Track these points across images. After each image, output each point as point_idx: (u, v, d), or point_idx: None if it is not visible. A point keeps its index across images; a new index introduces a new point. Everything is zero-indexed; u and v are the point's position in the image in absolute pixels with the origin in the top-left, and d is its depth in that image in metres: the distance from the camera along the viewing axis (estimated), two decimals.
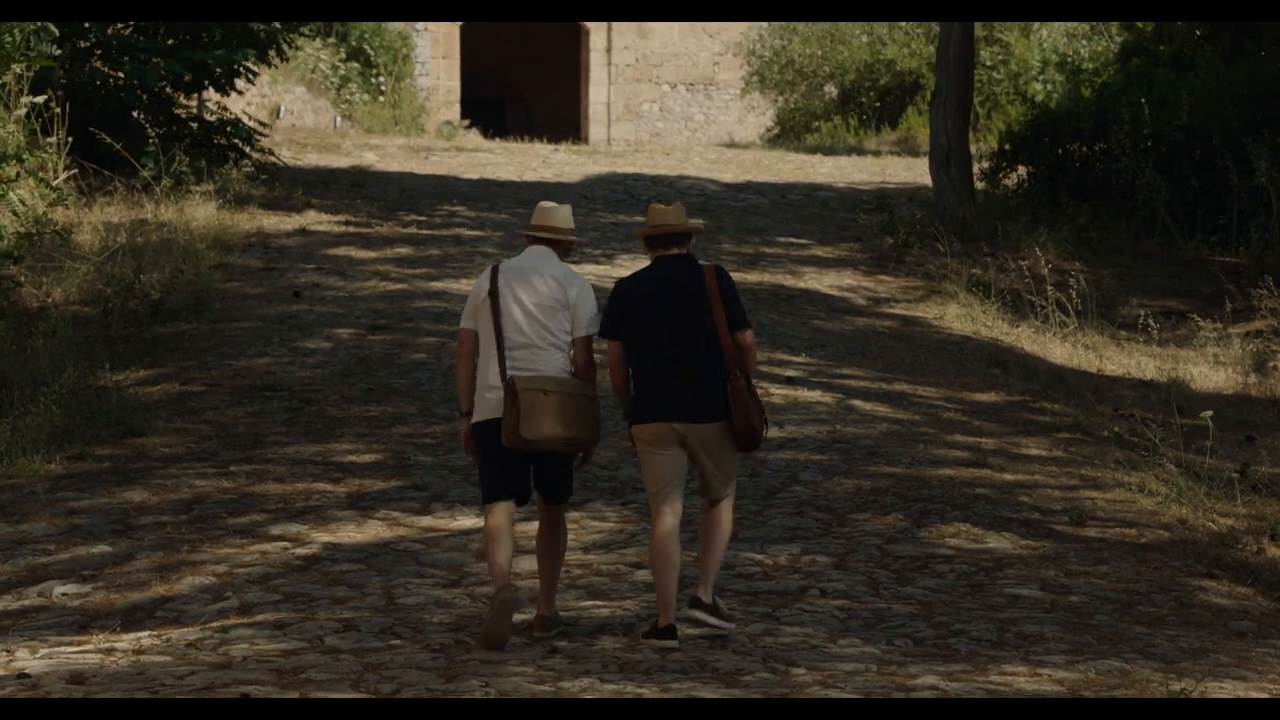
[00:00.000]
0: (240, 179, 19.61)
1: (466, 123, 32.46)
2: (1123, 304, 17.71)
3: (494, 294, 8.01)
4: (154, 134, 18.37)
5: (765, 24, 34.40)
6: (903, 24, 32.62)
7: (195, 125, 20.35)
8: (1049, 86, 28.63)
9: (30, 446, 11.21)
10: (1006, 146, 22.49)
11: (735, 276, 7.96)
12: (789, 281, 17.84)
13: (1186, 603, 8.78)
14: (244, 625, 8.06)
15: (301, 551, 9.33)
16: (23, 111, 16.70)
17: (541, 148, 27.55)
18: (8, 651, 7.72)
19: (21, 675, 7.23)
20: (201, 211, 17.86)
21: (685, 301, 7.92)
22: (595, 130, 35.31)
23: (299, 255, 17.42)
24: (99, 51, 19.41)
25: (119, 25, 19.38)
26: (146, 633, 8.01)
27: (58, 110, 17.35)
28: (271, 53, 20.69)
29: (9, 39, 15.72)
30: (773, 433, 11.86)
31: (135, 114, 19.04)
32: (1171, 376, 14.78)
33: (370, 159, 24.33)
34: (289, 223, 18.81)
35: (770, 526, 9.90)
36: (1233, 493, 10.73)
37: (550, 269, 8.07)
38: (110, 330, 14.27)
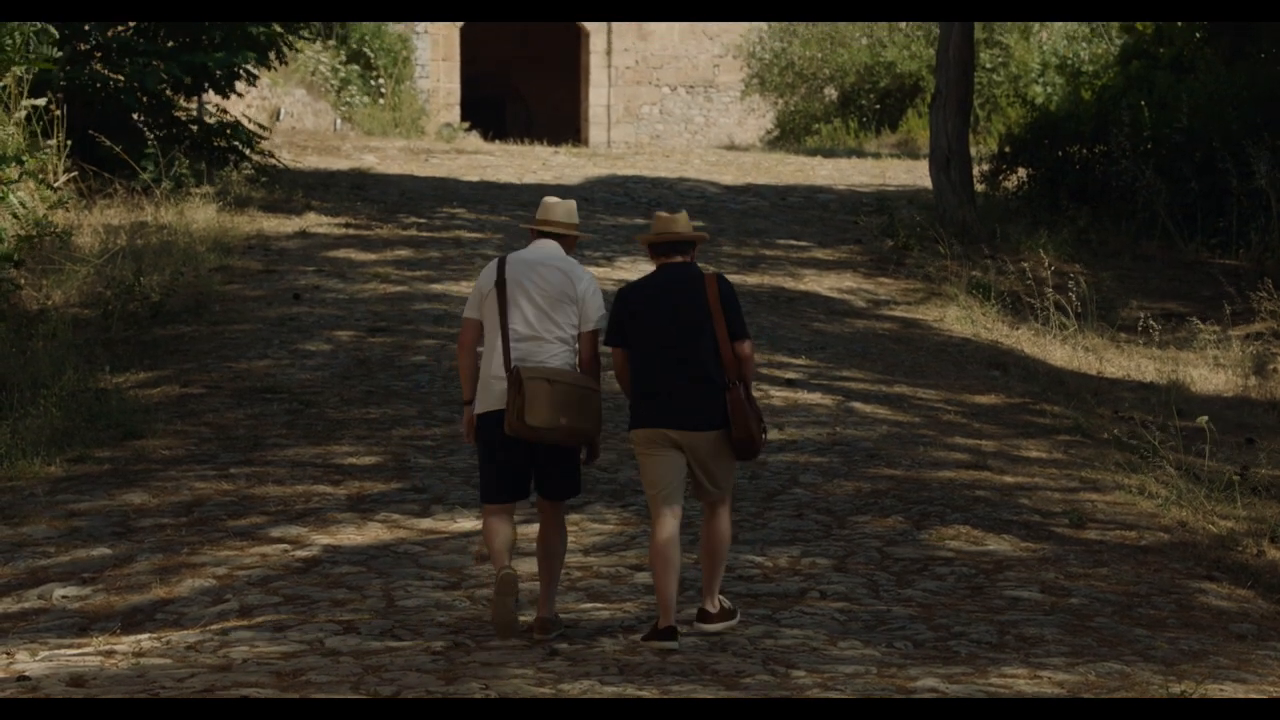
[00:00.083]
0: (240, 181, 19.61)
1: (466, 125, 32.48)
2: (1123, 306, 17.71)
3: (501, 285, 8.02)
4: (152, 137, 18.38)
5: (765, 26, 34.41)
6: (902, 26, 32.63)
7: (195, 128, 20.36)
8: (1049, 89, 28.64)
9: (30, 449, 11.21)
10: (1006, 149, 22.50)
11: (735, 279, 8.01)
12: (789, 284, 17.84)
13: (1186, 605, 8.78)
14: (244, 627, 8.06)
15: (301, 554, 9.33)
16: (23, 114, 16.70)
17: (541, 150, 27.56)
18: (8, 654, 7.72)
19: (21, 678, 7.23)
20: (201, 214, 17.87)
21: (686, 309, 7.95)
22: (595, 132, 35.32)
23: (299, 257, 17.43)
24: (99, 54, 19.42)
25: (119, 27, 19.38)
26: (146, 635, 8.01)
27: (58, 113, 17.35)
28: (271, 55, 20.70)
29: (9, 41, 15.72)
30: (773, 435, 11.86)
31: (135, 116, 19.06)
32: (1171, 379, 14.78)
33: (370, 161, 24.34)
34: (289, 225, 18.81)
35: (770, 529, 9.90)
36: (1233, 495, 10.73)
37: (558, 263, 8.09)
38: (110, 332, 14.27)
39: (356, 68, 30.84)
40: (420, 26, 33.99)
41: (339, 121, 29.11)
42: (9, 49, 15.74)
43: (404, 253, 17.95)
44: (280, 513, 10.10)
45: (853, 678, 7.27)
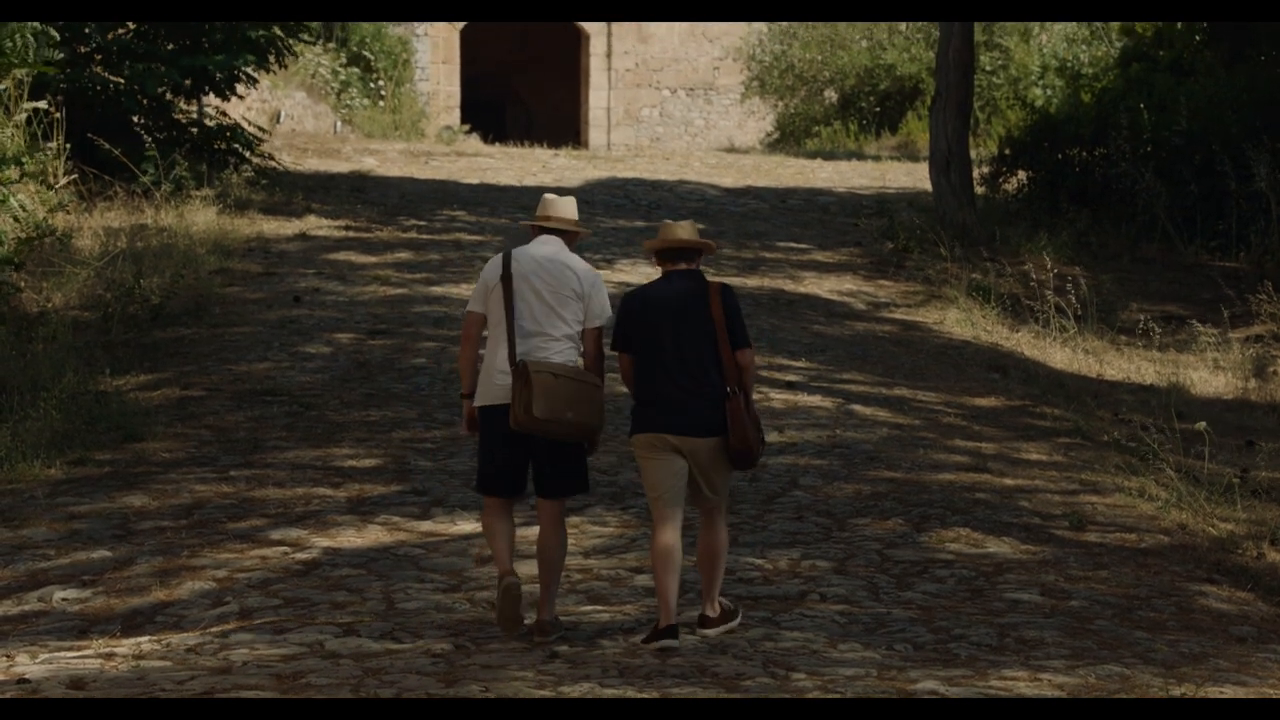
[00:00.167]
0: (240, 184, 19.62)
1: (466, 127, 32.49)
2: (1122, 309, 17.71)
3: (507, 280, 8.03)
4: (150, 141, 18.39)
5: (765, 29, 34.43)
6: (902, 29, 32.64)
7: (195, 130, 20.37)
8: (1049, 91, 28.65)
9: (30, 451, 11.21)
10: (1006, 151, 22.51)
11: (735, 281, 8.02)
12: (789, 286, 17.84)
13: (1187, 608, 8.78)
14: (244, 630, 8.06)
15: (301, 556, 9.33)
16: (23, 116, 16.70)
17: (541, 152, 27.57)
18: (7, 656, 7.72)
19: (21, 680, 7.23)
20: (201, 216, 17.87)
21: (689, 316, 7.99)
22: (595, 135, 35.33)
23: (299, 260, 17.43)
24: (99, 57, 19.42)
25: (119, 30, 19.39)
26: (146, 638, 8.01)
27: (57, 115, 17.36)
28: (271, 58, 20.71)
29: (9, 44, 15.72)
30: (773, 438, 11.87)
31: (135, 119, 19.06)
32: (1171, 381, 14.78)
33: (370, 164, 24.34)
34: (289, 227, 18.82)
35: (770, 531, 9.90)
36: (1233, 498, 10.73)
37: (565, 259, 8.10)
38: (110, 335, 14.27)
39: (356, 70, 30.86)
40: (420, 29, 34.00)
41: (339, 124, 29.13)
42: (9, 52, 15.75)
43: (404, 255, 17.96)
44: (280, 515, 10.10)
45: (853, 680, 7.27)
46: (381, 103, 30.94)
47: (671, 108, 35.94)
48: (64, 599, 8.71)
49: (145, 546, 9.51)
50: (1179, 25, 23.50)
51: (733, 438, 7.95)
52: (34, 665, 7.53)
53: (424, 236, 18.98)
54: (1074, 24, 30.03)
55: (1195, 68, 22.57)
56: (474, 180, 23.34)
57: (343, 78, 30.29)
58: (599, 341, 8.14)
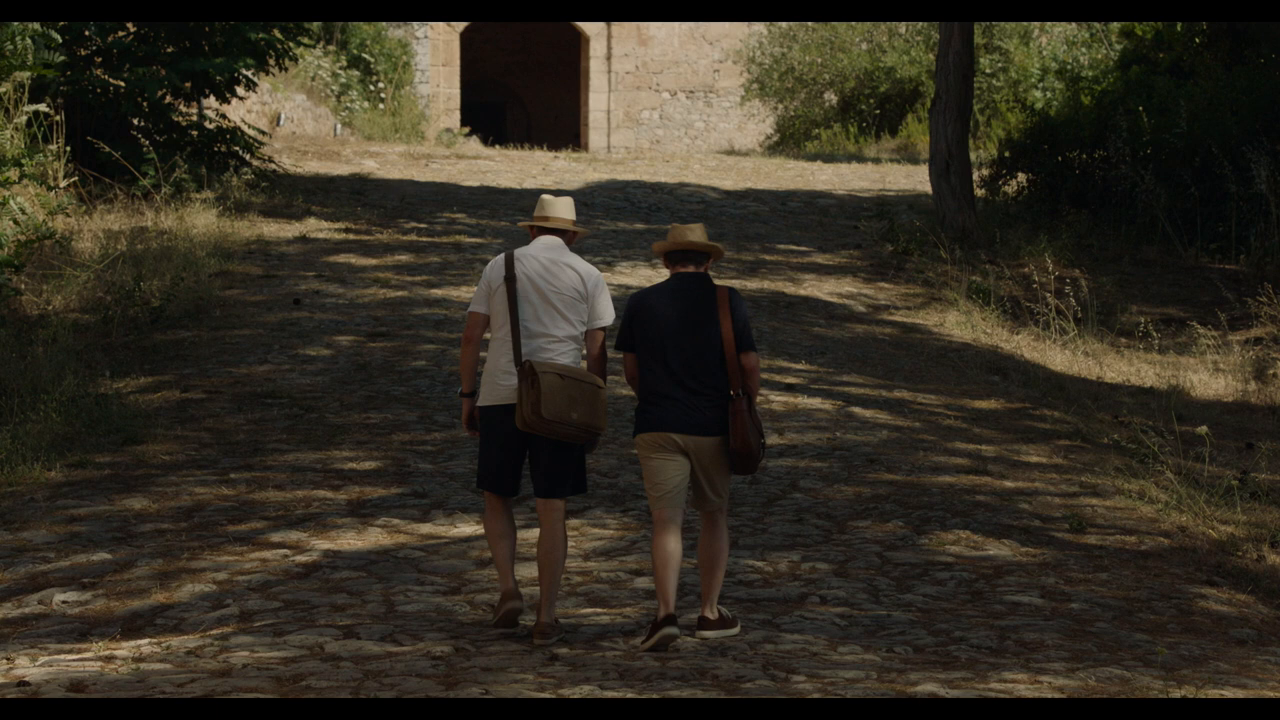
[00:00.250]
0: (240, 187, 19.62)
1: (466, 130, 32.51)
2: (1122, 311, 17.71)
3: (510, 280, 8.04)
4: (148, 144, 18.38)
5: (765, 31, 34.44)
6: (902, 31, 32.65)
7: (195, 133, 20.37)
8: (1049, 94, 28.66)
9: (30, 454, 11.21)
10: (1006, 154, 22.52)
11: (736, 284, 8.02)
12: (789, 288, 17.85)
13: (1187, 610, 8.78)
14: (244, 632, 8.06)
15: (302, 559, 9.33)
16: (23, 119, 16.71)
17: (541, 155, 27.57)
18: (8, 659, 7.72)
19: (21, 683, 7.23)
20: (202, 219, 17.88)
21: (696, 317, 8.04)
22: (595, 137, 35.34)
23: (299, 263, 17.43)
24: (99, 59, 19.43)
25: (119, 33, 19.40)
26: (146, 640, 8.01)
27: (57, 118, 17.36)
28: (271, 61, 20.72)
29: (10, 46, 15.73)
30: (773, 440, 11.87)
31: (135, 122, 19.06)
32: (1171, 384, 14.78)
33: (370, 166, 24.35)
34: (289, 230, 18.82)
35: (770, 533, 9.91)
36: (1233, 500, 10.73)
37: (567, 260, 8.12)
38: (110, 338, 14.28)
39: (357, 73, 30.87)
40: (420, 32, 34.01)
41: (339, 126, 29.13)
42: (10, 55, 15.76)
43: (404, 258, 17.96)
44: (280, 518, 10.10)
45: (853, 683, 7.27)
46: (381, 105, 30.95)
47: (671, 110, 35.95)
48: (64, 601, 8.71)
49: (145, 549, 9.52)
50: (1179, 28, 23.50)
51: (734, 439, 7.98)
52: (34, 668, 7.53)
53: (424, 239, 18.98)
54: (1074, 27, 30.04)
55: (1195, 70, 22.57)
56: (474, 183, 23.34)
57: (343, 80, 30.30)
58: (603, 343, 8.16)
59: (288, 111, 27.56)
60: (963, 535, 9.89)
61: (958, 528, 10.02)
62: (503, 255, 8.18)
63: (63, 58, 16.79)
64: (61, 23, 17.61)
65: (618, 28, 35.31)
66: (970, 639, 8.08)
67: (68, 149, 17.54)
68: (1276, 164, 18.96)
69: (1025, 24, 31.46)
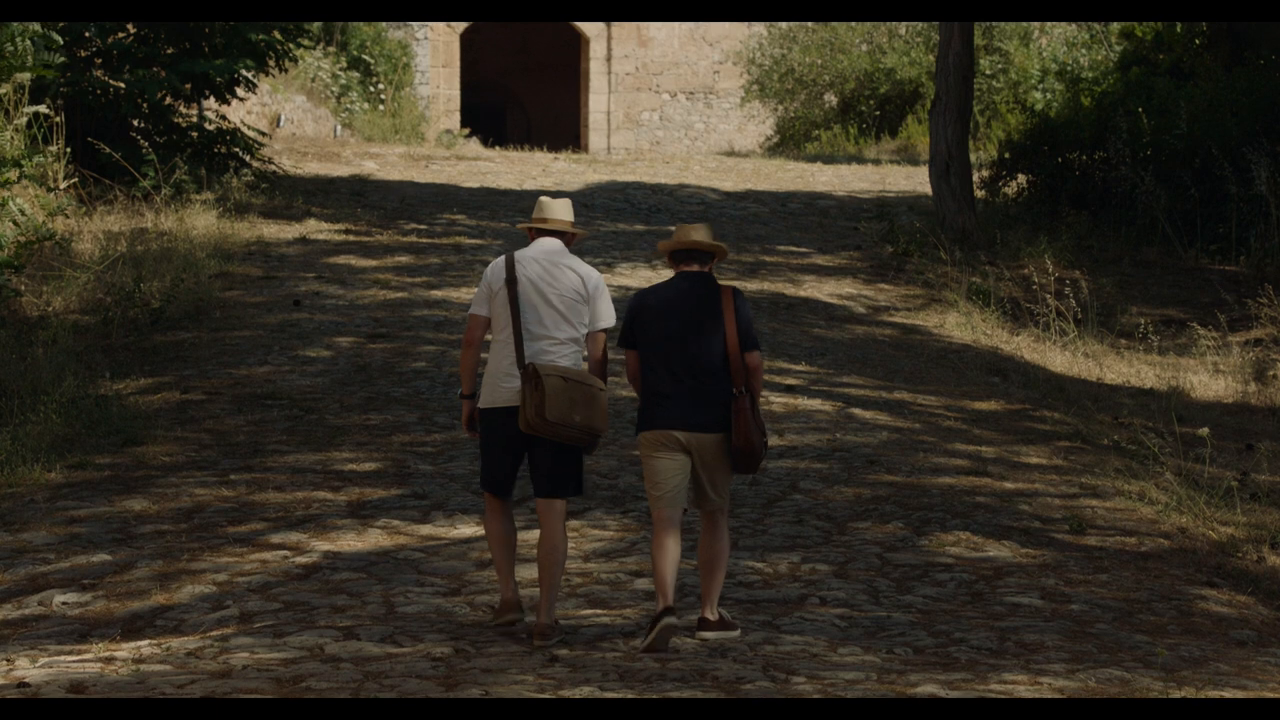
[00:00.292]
0: (240, 188, 19.62)
1: (466, 131, 32.50)
2: (1122, 312, 17.71)
3: (512, 283, 8.04)
4: (148, 145, 18.38)
5: (765, 33, 34.44)
6: (902, 32, 32.66)
7: (195, 134, 20.37)
8: (1049, 95, 28.66)
9: (30, 455, 11.21)
10: (1006, 155, 22.52)
11: (736, 285, 8.02)
12: (789, 290, 17.85)
13: (1187, 611, 8.78)
14: (244, 634, 8.06)
15: (302, 560, 9.33)
16: (23, 120, 16.71)
17: (541, 156, 27.57)
18: (8, 660, 7.72)
19: (21, 684, 7.23)
20: (202, 220, 17.88)
21: (700, 316, 8.05)
22: (595, 139, 35.34)
23: (299, 264, 17.44)
24: (99, 61, 19.43)
25: (119, 34, 19.40)
26: (146, 641, 8.01)
27: (57, 119, 17.36)
28: (271, 62, 20.72)
29: (10, 47, 15.73)
30: (773, 441, 11.87)
31: (135, 123, 19.06)
32: (1171, 385, 14.78)
33: (370, 168, 24.35)
34: (289, 231, 18.82)
35: (770, 534, 9.91)
36: (1233, 501, 10.73)
37: (568, 262, 8.13)
38: (110, 339, 14.28)
39: (357, 74, 30.87)
40: (420, 33, 34.01)
41: (339, 128, 29.13)
42: (10, 55, 15.76)
43: (404, 259, 17.97)
44: (280, 519, 10.10)
45: (853, 684, 7.28)
46: (381, 106, 30.95)
47: (671, 111, 35.95)
48: (64, 603, 8.71)
49: (145, 550, 9.52)
50: (1179, 29, 23.50)
51: (736, 437, 7.98)
52: (34, 669, 7.53)
53: (424, 240, 18.99)
54: (1074, 28, 30.04)
55: (1195, 71, 22.57)
56: (474, 184, 23.34)
57: (343, 81, 30.30)
58: (604, 346, 8.17)
59: (288, 113, 27.57)
60: (963, 536, 9.89)
61: (958, 529, 10.02)
62: (503, 258, 8.18)
63: (63, 59, 16.80)
64: (61, 24, 17.60)
65: (617, 29, 35.32)
66: (970, 640, 8.08)
67: (68, 150, 17.55)
68: (1276, 165, 18.96)
69: (1025, 25, 31.46)
